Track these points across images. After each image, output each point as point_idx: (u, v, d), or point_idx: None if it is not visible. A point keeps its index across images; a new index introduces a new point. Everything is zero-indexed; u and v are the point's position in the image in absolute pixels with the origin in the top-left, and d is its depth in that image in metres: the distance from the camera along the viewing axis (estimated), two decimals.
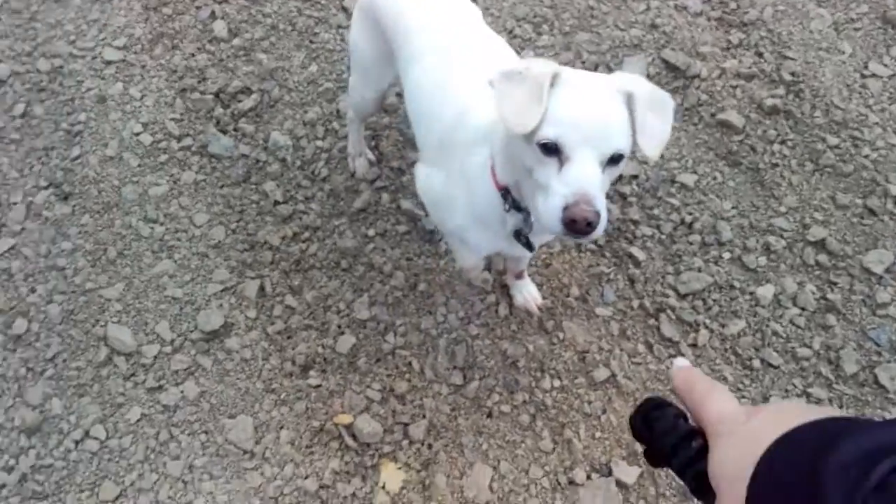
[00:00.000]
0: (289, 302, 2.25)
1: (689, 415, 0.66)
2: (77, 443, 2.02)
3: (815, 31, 2.86)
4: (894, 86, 2.70)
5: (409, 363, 2.15)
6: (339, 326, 2.22)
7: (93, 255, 2.34)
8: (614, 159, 1.28)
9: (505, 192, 1.52)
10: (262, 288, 2.28)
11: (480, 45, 1.76)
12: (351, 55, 2.14)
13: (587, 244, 2.40)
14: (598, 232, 1.24)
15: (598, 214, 1.22)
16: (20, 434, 2.03)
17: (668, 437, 0.65)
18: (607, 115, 1.26)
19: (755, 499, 0.50)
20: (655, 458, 0.68)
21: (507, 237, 1.64)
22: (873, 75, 2.72)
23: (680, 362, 0.71)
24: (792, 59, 2.78)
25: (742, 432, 0.57)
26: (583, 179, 1.23)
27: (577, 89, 1.28)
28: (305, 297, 2.27)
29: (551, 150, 1.26)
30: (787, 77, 2.73)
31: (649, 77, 2.76)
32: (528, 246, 1.63)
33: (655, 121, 1.30)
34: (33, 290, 2.26)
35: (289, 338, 2.21)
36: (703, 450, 0.61)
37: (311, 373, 2.13)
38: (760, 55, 2.81)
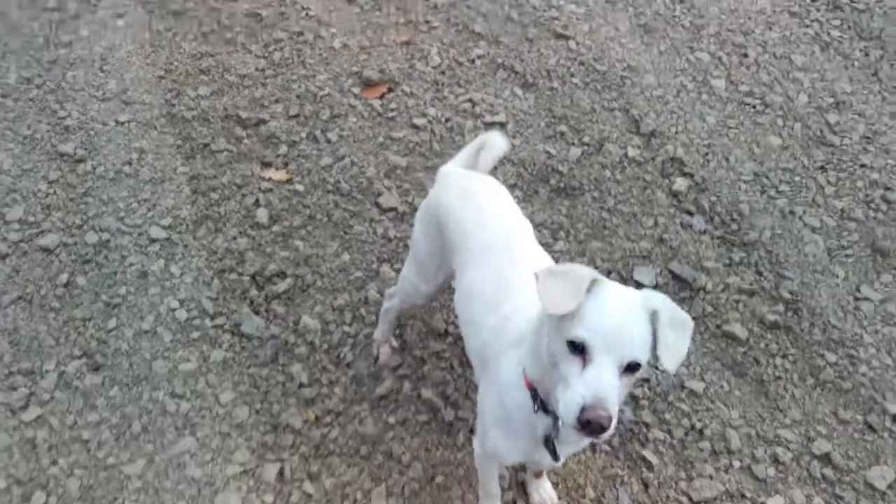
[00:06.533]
0: (307, 488, 2.26)
1: None
2: None
3: (809, 254, 3.10)
4: (886, 309, 2.90)
5: None
6: None
7: (117, 429, 2.37)
8: (631, 367, 1.42)
9: (534, 393, 1.63)
10: (281, 472, 2.30)
11: (529, 259, 1.93)
12: (411, 248, 2.31)
13: (601, 445, 2.46)
14: (608, 434, 1.38)
15: (610, 419, 1.36)
16: None
17: None
18: (631, 328, 1.42)
19: None
20: None
21: (536, 443, 1.72)
22: (866, 299, 2.93)
23: None
24: (789, 278, 3.00)
25: None
26: (601, 384, 1.38)
27: (609, 300, 1.45)
28: (324, 483, 2.28)
29: (578, 348, 1.41)
30: (786, 295, 2.93)
31: (658, 287, 2.96)
32: (555, 455, 1.71)
33: (675, 338, 1.45)
34: (55, 463, 2.27)
35: None
36: None
37: None
38: (760, 273, 3.03)
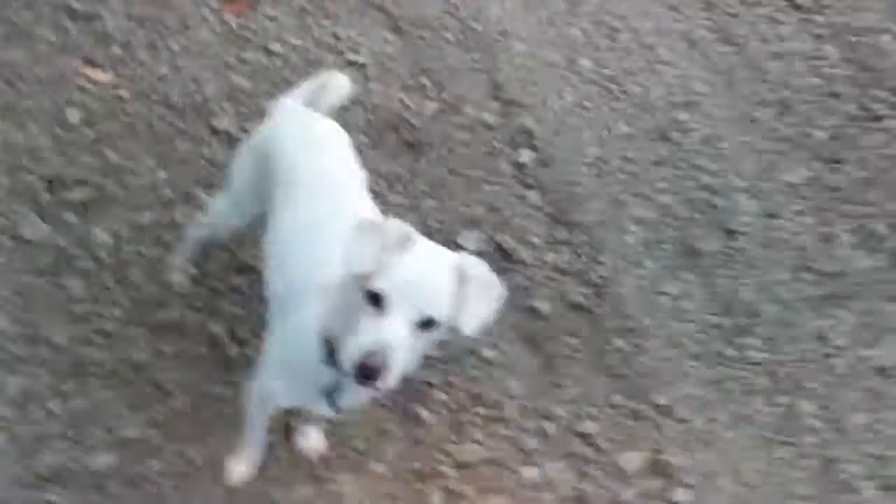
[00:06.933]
0: (52, 407, 2.16)
1: None
2: None
3: (626, 244, 3.19)
4: (680, 306, 3.02)
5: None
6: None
7: None
8: (428, 324, 1.41)
9: (329, 347, 1.58)
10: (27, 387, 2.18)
11: (355, 211, 1.84)
12: (228, 177, 2.22)
13: (381, 399, 2.46)
14: (386, 385, 1.39)
15: (388, 368, 1.36)
16: None
17: None
18: (432, 285, 1.41)
19: None
20: None
21: (318, 392, 1.69)
22: (665, 293, 3.04)
23: None
24: (603, 263, 3.07)
25: None
26: (387, 334, 1.37)
27: (418, 256, 1.44)
28: (73, 403, 2.18)
29: (374, 299, 1.39)
30: (596, 279, 3.01)
31: (479, 254, 2.94)
32: (334, 406, 1.70)
33: (479, 302, 1.45)
34: None
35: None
36: None
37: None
38: (578, 255, 3.09)
